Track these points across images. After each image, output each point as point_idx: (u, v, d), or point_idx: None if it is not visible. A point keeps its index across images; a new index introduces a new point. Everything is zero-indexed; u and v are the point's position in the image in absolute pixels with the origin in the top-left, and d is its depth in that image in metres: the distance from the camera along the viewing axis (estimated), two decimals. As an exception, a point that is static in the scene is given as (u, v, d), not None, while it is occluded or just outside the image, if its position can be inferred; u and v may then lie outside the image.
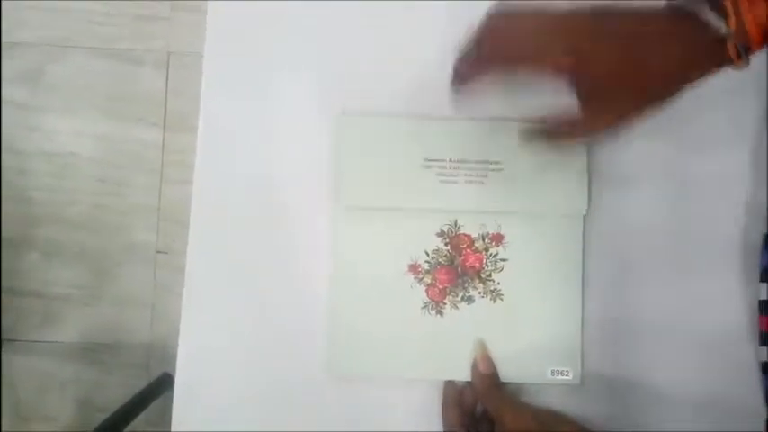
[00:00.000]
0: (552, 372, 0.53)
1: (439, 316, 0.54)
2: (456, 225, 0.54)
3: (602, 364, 0.54)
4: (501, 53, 0.44)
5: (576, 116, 0.43)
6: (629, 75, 0.41)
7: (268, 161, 0.56)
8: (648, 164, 0.55)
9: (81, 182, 1.34)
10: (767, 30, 0.40)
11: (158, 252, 1.33)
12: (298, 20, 0.57)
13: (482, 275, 0.54)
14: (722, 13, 0.40)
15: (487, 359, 0.53)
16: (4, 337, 1.31)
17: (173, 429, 0.54)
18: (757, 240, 0.54)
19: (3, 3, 1.33)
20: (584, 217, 0.54)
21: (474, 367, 0.53)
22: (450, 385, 0.53)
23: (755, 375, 0.53)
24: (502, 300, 0.54)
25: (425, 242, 0.54)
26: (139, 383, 1.21)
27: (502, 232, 0.54)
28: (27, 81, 1.34)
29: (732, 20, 0.39)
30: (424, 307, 0.54)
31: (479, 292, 0.54)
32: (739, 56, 0.40)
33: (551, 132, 0.46)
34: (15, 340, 1.32)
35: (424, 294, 0.54)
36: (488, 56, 0.44)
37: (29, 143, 1.34)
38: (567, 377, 0.53)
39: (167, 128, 1.34)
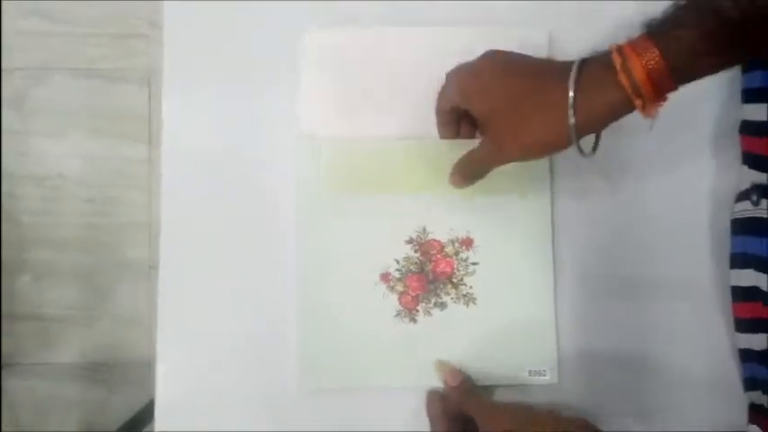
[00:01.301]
0: (529, 372, 0.53)
1: (412, 323, 0.54)
2: (425, 231, 0.54)
3: (579, 362, 0.54)
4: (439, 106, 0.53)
5: (477, 153, 0.48)
6: (523, 139, 0.44)
7: (233, 178, 0.56)
8: (612, 159, 0.55)
9: (71, 203, 1.34)
10: (657, 81, 0.39)
11: (151, 268, 1.33)
12: (258, 34, 0.57)
13: (454, 280, 0.54)
14: (611, 68, 0.40)
15: (454, 372, 0.52)
16: (3, 362, 1.31)
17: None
18: (726, 227, 0.54)
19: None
20: (552, 215, 0.54)
21: (445, 383, 0.52)
22: (433, 395, 0.53)
23: (734, 363, 0.53)
24: (475, 304, 0.54)
25: (395, 250, 0.54)
26: (142, 401, 1.21)
27: (471, 236, 0.54)
28: (12, 106, 1.34)
29: (621, 75, 0.39)
30: (397, 315, 0.54)
31: (452, 298, 0.54)
32: (645, 106, 0.40)
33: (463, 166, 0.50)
34: (15, 364, 1.33)
35: (397, 303, 0.54)
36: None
37: (18, 167, 1.34)
38: (544, 377, 0.53)
39: (153, 143, 1.34)
